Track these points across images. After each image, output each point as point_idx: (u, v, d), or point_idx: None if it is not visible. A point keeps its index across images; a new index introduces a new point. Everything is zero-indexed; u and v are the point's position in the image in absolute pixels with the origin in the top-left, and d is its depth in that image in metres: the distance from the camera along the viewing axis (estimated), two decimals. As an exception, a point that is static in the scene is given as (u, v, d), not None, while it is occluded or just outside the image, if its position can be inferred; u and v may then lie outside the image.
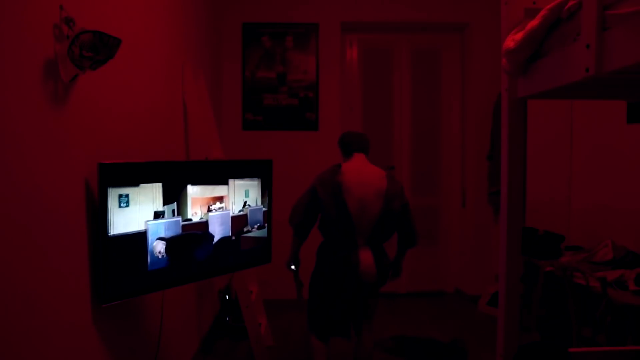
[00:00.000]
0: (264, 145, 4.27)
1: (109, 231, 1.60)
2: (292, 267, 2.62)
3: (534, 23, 1.42)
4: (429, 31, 4.51)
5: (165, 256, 1.85)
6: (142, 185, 1.74)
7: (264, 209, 2.46)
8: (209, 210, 2.11)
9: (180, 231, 1.93)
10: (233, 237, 2.26)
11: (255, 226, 2.41)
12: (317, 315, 2.53)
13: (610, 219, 3.32)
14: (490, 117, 4.24)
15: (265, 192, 2.48)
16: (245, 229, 2.34)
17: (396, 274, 2.69)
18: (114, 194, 1.61)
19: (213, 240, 2.13)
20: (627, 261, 2.83)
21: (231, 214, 2.25)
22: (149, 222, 1.77)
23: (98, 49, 1.40)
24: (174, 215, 1.89)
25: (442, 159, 4.58)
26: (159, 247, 1.82)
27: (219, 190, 2.18)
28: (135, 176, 1.72)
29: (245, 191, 2.35)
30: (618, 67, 1.09)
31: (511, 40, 1.54)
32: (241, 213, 2.32)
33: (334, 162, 2.58)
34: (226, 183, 2.23)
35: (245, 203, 2.34)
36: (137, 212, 1.72)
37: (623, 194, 3.19)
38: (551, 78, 1.40)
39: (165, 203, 1.85)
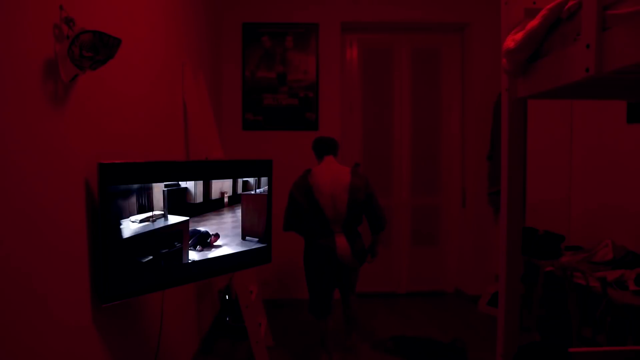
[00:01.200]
0: (264, 145, 4.27)
1: (109, 231, 1.60)
2: None
3: (534, 23, 1.41)
4: (429, 31, 4.51)
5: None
6: (142, 185, 1.74)
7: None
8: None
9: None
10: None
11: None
12: (313, 298, 3.01)
13: (610, 218, 3.32)
14: (490, 117, 4.24)
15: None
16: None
17: (373, 255, 3.08)
18: (113, 192, 1.61)
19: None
20: (627, 261, 2.83)
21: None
22: (147, 222, 1.77)
23: (98, 49, 1.39)
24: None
25: (442, 159, 4.58)
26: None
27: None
28: (135, 176, 1.72)
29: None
30: (618, 67, 1.09)
31: (511, 40, 1.54)
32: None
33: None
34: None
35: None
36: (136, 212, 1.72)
37: (623, 193, 3.20)
38: (551, 78, 1.40)
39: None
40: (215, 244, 2.16)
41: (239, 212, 2.33)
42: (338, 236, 2.86)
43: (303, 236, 3.00)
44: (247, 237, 2.37)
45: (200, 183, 2.07)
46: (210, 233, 2.13)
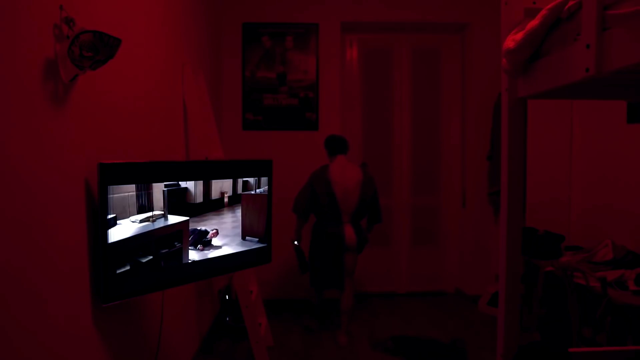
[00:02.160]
0: (264, 145, 4.27)
1: (109, 231, 1.60)
2: (296, 242, 3.48)
3: (534, 23, 1.41)
4: (429, 31, 4.51)
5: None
6: (142, 185, 1.74)
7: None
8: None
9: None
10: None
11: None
12: (317, 274, 3.44)
13: (610, 218, 3.32)
14: (490, 117, 4.24)
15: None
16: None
17: (365, 241, 3.51)
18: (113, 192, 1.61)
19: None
20: (627, 261, 2.83)
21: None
22: (147, 223, 1.77)
23: (98, 49, 1.39)
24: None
25: (442, 159, 4.58)
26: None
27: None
28: (135, 176, 1.72)
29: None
30: (618, 67, 1.09)
31: (511, 40, 1.53)
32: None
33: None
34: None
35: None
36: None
37: (623, 193, 3.19)
38: (551, 78, 1.40)
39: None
40: (215, 244, 2.16)
41: (239, 212, 2.33)
42: (346, 226, 3.30)
43: (302, 218, 3.41)
44: (247, 237, 2.37)
45: (200, 183, 2.08)
46: (209, 230, 2.13)
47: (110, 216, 1.60)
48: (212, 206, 2.15)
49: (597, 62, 1.13)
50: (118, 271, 1.65)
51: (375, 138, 4.53)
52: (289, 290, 4.30)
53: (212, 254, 2.14)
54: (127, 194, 1.68)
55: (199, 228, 2.07)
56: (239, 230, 2.33)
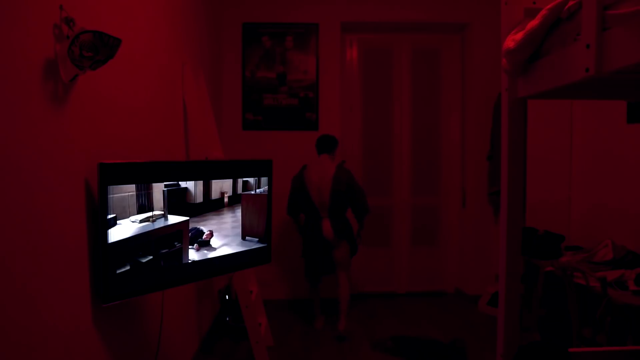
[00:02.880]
0: (264, 145, 4.27)
1: (109, 231, 1.60)
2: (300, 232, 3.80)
3: (534, 23, 1.41)
4: (429, 31, 4.51)
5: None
6: (142, 185, 1.74)
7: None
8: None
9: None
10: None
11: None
12: (307, 267, 3.70)
13: (610, 218, 3.32)
14: (490, 117, 4.24)
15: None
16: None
17: (359, 237, 3.74)
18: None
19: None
20: (627, 261, 2.83)
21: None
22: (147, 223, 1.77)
23: (98, 49, 1.39)
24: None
25: (442, 159, 4.58)
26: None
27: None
28: (135, 176, 1.72)
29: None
30: (618, 67, 1.09)
31: (511, 40, 1.53)
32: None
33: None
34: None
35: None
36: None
37: (623, 193, 3.19)
38: (551, 78, 1.40)
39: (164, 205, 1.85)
40: (214, 245, 2.16)
41: (239, 212, 2.33)
42: (324, 220, 3.53)
43: (291, 217, 3.73)
44: (247, 237, 2.37)
45: (200, 183, 2.08)
46: (205, 230, 2.13)
47: (110, 216, 1.60)
48: (212, 206, 2.15)
49: (597, 62, 1.13)
50: (118, 271, 1.65)
51: (375, 138, 4.53)
52: (289, 290, 4.30)
53: (212, 254, 2.14)
54: (127, 194, 1.68)
55: (197, 227, 2.07)
56: (239, 230, 2.33)
